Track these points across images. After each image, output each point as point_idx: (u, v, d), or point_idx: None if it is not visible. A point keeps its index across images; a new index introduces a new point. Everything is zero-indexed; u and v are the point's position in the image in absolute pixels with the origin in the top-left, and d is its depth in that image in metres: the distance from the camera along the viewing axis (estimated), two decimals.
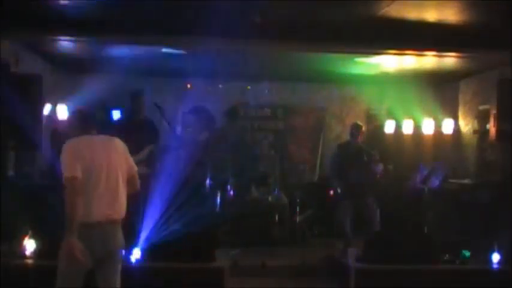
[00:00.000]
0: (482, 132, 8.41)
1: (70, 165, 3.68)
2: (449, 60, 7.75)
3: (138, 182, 4.15)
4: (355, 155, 7.20)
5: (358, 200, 7.16)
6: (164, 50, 7.48)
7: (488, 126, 8.06)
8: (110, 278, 3.90)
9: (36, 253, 5.59)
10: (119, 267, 3.96)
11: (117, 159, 3.94)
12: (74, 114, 4.21)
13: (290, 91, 10.02)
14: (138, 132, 6.35)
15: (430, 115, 9.36)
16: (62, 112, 8.70)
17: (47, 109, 8.00)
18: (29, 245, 5.62)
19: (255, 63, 8.43)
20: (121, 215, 3.92)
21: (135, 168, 4.12)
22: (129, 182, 4.04)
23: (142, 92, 6.57)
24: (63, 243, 3.63)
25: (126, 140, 6.23)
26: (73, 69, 8.89)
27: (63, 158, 3.73)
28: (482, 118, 8.42)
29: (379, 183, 7.60)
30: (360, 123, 7.66)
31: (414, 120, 9.54)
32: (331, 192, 7.48)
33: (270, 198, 8.15)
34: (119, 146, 4.06)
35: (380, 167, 7.21)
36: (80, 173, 3.67)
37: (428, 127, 9.34)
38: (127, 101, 6.68)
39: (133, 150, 6.25)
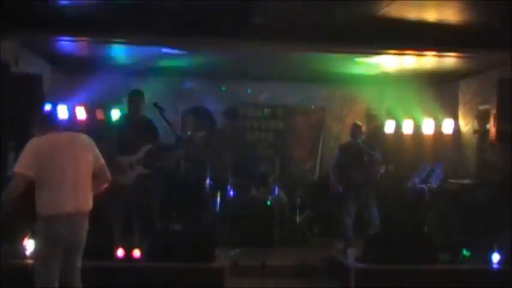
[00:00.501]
0: (482, 132, 8.40)
1: (24, 162, 3.97)
2: (449, 60, 7.75)
3: (108, 173, 4.39)
4: (356, 156, 7.20)
5: (359, 200, 7.17)
6: (164, 50, 7.48)
7: (488, 126, 8.04)
8: (75, 263, 4.23)
9: None
10: (81, 253, 4.30)
11: (82, 154, 4.19)
12: (37, 116, 4.43)
13: (290, 91, 10.01)
14: (137, 132, 6.34)
15: (430, 115, 9.36)
16: (62, 112, 8.72)
17: (47, 109, 8.01)
18: (29, 245, 5.61)
19: (255, 63, 8.42)
20: (88, 206, 4.22)
21: (102, 160, 4.33)
22: (98, 173, 4.30)
23: (141, 92, 6.56)
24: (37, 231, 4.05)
25: (124, 140, 6.28)
26: (73, 69, 8.88)
27: (22, 154, 4.00)
28: (482, 118, 8.41)
29: (379, 184, 7.61)
30: (359, 123, 7.66)
31: (414, 120, 9.53)
32: (333, 192, 7.46)
33: (270, 198, 8.15)
34: (85, 140, 4.29)
35: (382, 169, 7.22)
36: (31, 172, 3.94)
37: (428, 127, 9.33)
38: (126, 101, 6.67)
39: (132, 150, 6.29)
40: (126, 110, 6.72)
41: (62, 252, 4.09)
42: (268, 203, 8.03)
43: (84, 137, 4.32)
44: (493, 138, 7.49)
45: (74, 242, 4.14)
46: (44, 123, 4.23)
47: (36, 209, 4.02)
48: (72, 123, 8.41)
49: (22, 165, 3.97)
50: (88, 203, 4.21)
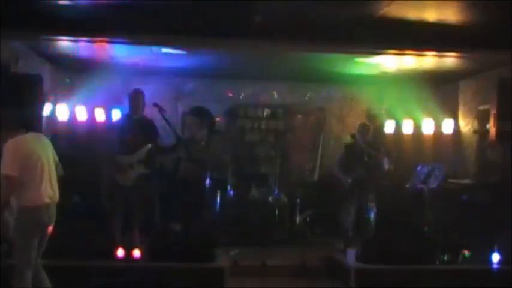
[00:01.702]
0: (482, 132, 8.40)
1: (8, 164, 4.37)
2: (449, 60, 7.74)
3: (61, 167, 4.90)
4: (359, 157, 7.20)
5: (360, 200, 7.17)
6: (164, 50, 7.48)
7: (488, 126, 8.05)
8: (45, 242, 4.74)
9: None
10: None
11: (49, 151, 4.74)
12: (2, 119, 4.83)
13: (290, 91, 10.01)
14: (137, 132, 6.34)
15: (430, 115, 9.36)
16: (62, 112, 8.73)
17: (47, 109, 8.01)
18: None
19: (256, 63, 8.42)
20: (58, 197, 4.77)
21: (56, 157, 4.87)
22: (57, 168, 4.85)
23: (142, 91, 6.56)
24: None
25: (125, 140, 6.28)
26: (73, 69, 8.88)
27: (4, 156, 4.40)
28: (482, 118, 8.41)
29: (381, 185, 7.61)
30: (367, 123, 7.65)
31: (414, 120, 9.54)
32: (340, 189, 7.44)
33: (270, 198, 8.15)
34: (47, 140, 4.85)
35: (386, 161, 7.20)
36: (16, 172, 4.37)
37: (428, 127, 9.34)
38: (126, 100, 6.67)
39: (132, 150, 6.29)
40: (126, 110, 6.72)
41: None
42: (268, 203, 8.03)
43: (44, 137, 4.89)
44: (493, 138, 7.49)
45: (48, 225, 4.67)
46: (12, 125, 4.64)
47: (19, 202, 4.51)
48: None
49: (6, 167, 4.37)
50: (57, 194, 4.77)
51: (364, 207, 7.19)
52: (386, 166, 7.22)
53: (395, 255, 6.00)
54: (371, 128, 7.59)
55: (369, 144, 7.32)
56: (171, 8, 5.77)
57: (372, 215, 7.19)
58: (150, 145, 6.32)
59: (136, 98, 6.49)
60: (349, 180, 7.15)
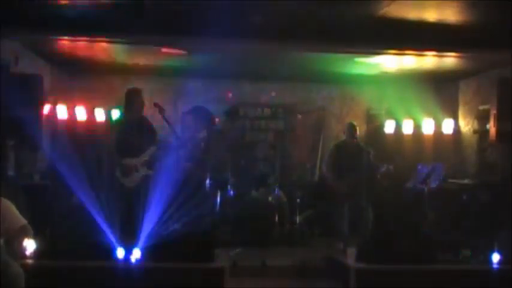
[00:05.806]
0: (482, 132, 8.41)
1: None
2: (449, 60, 7.75)
3: None
4: (353, 155, 7.20)
5: (354, 200, 7.18)
6: (164, 50, 7.48)
7: (488, 126, 8.05)
8: None
9: (36, 253, 5.59)
10: None
11: None
12: None
13: (290, 91, 10.01)
14: (137, 132, 6.33)
15: (430, 115, 9.36)
16: (62, 112, 8.73)
17: (46, 109, 8.01)
18: (29, 245, 5.61)
19: (256, 63, 8.42)
20: None
21: None
22: None
23: (140, 91, 6.54)
24: None
25: (124, 140, 6.27)
26: (73, 69, 8.88)
27: None
28: (482, 118, 8.42)
29: (378, 184, 7.60)
30: (355, 123, 7.68)
31: (414, 120, 9.54)
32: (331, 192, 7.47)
33: (270, 198, 8.14)
34: None
35: (383, 167, 7.21)
36: None
37: (428, 127, 9.34)
38: (125, 101, 6.64)
39: (136, 152, 6.28)
40: (125, 110, 6.70)
41: None
42: (268, 203, 8.02)
43: None
44: (493, 138, 7.49)
45: None
46: None
47: None
48: None
49: None
50: None
51: (359, 209, 7.20)
52: (390, 167, 7.23)
53: (395, 255, 5.99)
54: (359, 127, 7.60)
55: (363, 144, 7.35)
56: (171, 8, 5.78)
57: (366, 218, 7.20)
58: (155, 146, 6.33)
59: (135, 98, 6.46)
60: (343, 186, 7.16)
